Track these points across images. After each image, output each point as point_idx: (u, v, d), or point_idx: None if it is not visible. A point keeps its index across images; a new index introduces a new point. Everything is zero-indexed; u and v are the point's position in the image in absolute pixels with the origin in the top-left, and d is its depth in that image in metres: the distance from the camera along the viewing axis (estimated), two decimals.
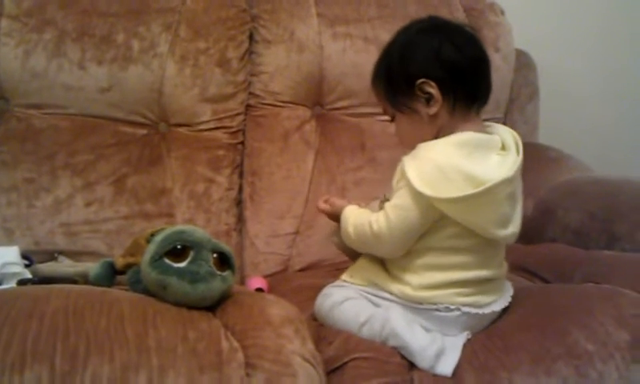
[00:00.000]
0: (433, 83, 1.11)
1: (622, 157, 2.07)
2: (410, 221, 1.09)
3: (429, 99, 1.12)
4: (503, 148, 1.13)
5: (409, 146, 1.16)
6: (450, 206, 1.06)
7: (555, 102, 2.02)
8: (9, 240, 1.45)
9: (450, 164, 1.06)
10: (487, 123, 1.19)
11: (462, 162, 1.06)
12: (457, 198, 1.05)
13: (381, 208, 1.16)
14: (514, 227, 1.12)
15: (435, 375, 1.03)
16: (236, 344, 0.90)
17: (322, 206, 1.29)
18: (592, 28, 2.18)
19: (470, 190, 1.04)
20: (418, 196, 1.07)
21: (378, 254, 1.18)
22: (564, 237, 1.52)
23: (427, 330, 1.10)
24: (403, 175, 1.09)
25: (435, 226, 1.10)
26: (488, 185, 1.04)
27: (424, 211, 1.08)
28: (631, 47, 2.22)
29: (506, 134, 1.15)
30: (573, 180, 1.66)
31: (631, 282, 1.19)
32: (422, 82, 1.11)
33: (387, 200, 1.18)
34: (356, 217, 1.19)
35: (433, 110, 1.12)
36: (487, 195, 1.05)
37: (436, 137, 1.13)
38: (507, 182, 1.07)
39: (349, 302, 1.17)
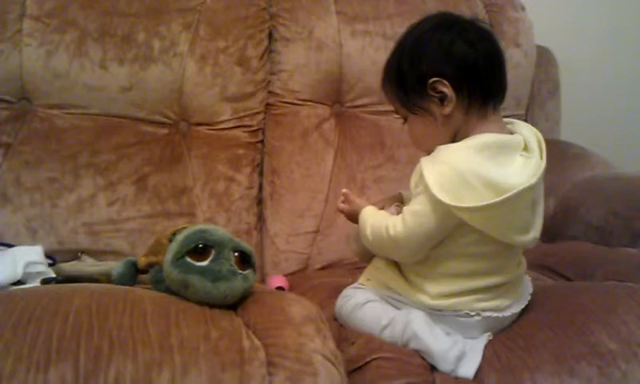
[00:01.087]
0: (445, 82, 1.07)
1: None
2: (428, 227, 1.06)
3: (442, 99, 1.08)
4: (526, 149, 1.08)
5: (424, 148, 1.13)
6: (470, 214, 1.02)
7: (577, 98, 2.01)
8: (33, 239, 1.47)
9: (471, 169, 1.02)
10: (509, 120, 1.14)
11: (483, 168, 1.02)
12: (478, 207, 1.01)
13: (398, 212, 1.14)
14: (535, 232, 1.09)
15: (457, 377, 1.03)
16: (257, 342, 0.90)
17: (341, 206, 1.26)
18: (613, 23, 2.16)
19: (491, 199, 1.00)
20: (436, 203, 1.03)
21: (394, 258, 1.16)
22: (586, 234, 1.51)
23: (448, 333, 1.09)
24: (422, 179, 1.05)
25: (454, 232, 1.07)
26: (509, 194, 1.00)
27: (442, 218, 1.04)
28: None
29: (529, 134, 1.10)
30: (595, 177, 1.65)
31: None
32: (435, 81, 1.08)
33: (401, 202, 1.17)
34: (374, 219, 1.16)
35: (447, 109, 1.08)
36: (509, 203, 1.01)
37: (453, 139, 1.09)
38: (530, 189, 1.03)
39: (370, 304, 1.16)
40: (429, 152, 1.09)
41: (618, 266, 1.30)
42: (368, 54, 1.75)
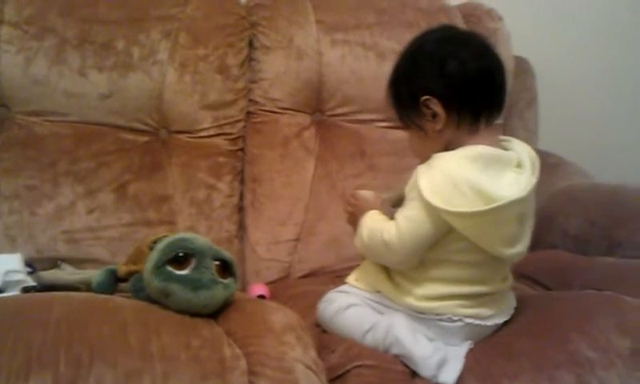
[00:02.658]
0: (436, 100, 1.10)
1: (622, 163, 2.07)
2: (421, 232, 1.07)
3: (434, 115, 1.11)
4: (519, 165, 1.10)
5: (420, 158, 1.15)
6: (458, 219, 1.05)
7: (554, 109, 2.02)
8: (11, 247, 1.45)
9: (463, 177, 1.04)
10: (504, 138, 1.17)
11: (475, 176, 1.04)
12: (465, 213, 1.03)
13: (392, 215, 1.15)
14: (521, 247, 1.11)
15: None
16: (238, 351, 0.90)
17: (348, 209, 1.26)
18: (591, 34, 2.18)
19: (479, 207, 1.03)
20: (428, 207, 1.05)
21: (387, 263, 1.17)
22: (564, 243, 1.52)
23: (430, 339, 1.10)
24: (416, 185, 1.07)
25: (443, 239, 1.09)
26: (498, 203, 1.03)
27: (435, 223, 1.06)
28: (631, 53, 2.22)
29: (522, 151, 1.12)
30: (572, 186, 1.66)
31: (632, 289, 1.19)
32: (426, 99, 1.10)
33: (396, 200, 1.18)
34: (372, 222, 1.17)
35: (437, 126, 1.11)
36: (496, 213, 1.03)
37: (445, 150, 1.11)
38: (519, 202, 1.05)
39: (352, 308, 1.17)
40: (425, 160, 1.11)
41: (596, 275, 1.31)
42: (348, 63, 1.76)
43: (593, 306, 1.15)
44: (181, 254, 0.98)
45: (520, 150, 1.13)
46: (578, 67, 2.18)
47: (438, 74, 1.10)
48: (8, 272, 1.22)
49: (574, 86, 2.17)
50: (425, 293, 1.11)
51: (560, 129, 2.05)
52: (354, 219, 1.23)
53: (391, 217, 1.15)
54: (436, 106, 1.10)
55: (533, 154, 1.13)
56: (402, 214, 1.10)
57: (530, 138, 1.89)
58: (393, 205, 1.21)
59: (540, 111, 1.96)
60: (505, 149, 1.13)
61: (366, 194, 1.24)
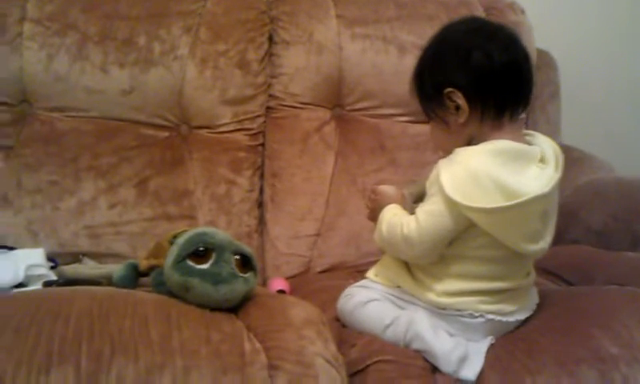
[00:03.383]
0: (459, 93, 1.08)
1: None
2: (441, 227, 1.06)
3: (457, 108, 1.09)
4: (542, 160, 1.09)
5: (442, 151, 1.14)
6: (479, 215, 1.03)
7: (577, 102, 2.00)
8: (34, 242, 1.46)
9: (485, 172, 1.03)
10: (528, 132, 1.15)
11: (498, 172, 1.03)
12: (487, 209, 1.02)
13: (412, 210, 1.15)
14: (544, 243, 1.09)
15: (458, 380, 1.03)
16: (258, 345, 0.91)
17: (369, 204, 1.25)
18: (613, 26, 2.16)
19: (501, 202, 1.01)
20: (449, 202, 1.04)
21: (406, 258, 1.16)
22: (586, 238, 1.50)
23: (451, 334, 1.09)
24: (437, 179, 1.06)
25: (464, 234, 1.07)
26: (521, 199, 1.01)
27: (455, 218, 1.05)
28: None
29: (547, 146, 1.11)
30: (596, 181, 1.65)
31: None
32: (450, 91, 1.09)
33: (417, 195, 1.18)
34: (392, 216, 1.16)
35: (460, 120, 1.10)
36: (519, 209, 1.02)
37: (468, 144, 1.10)
38: (541, 198, 1.03)
39: (373, 303, 1.16)
40: (447, 154, 1.10)
41: (619, 270, 1.30)
42: (368, 57, 1.75)
43: (616, 301, 1.14)
44: (201, 249, 0.99)
45: (544, 144, 1.11)
46: (601, 60, 2.15)
47: (463, 66, 1.09)
48: (30, 266, 1.24)
49: (596, 78, 2.14)
50: (446, 288, 1.10)
51: (583, 122, 2.03)
52: (374, 215, 1.21)
53: (412, 212, 1.14)
54: (459, 99, 1.09)
55: (557, 149, 1.11)
56: (423, 209, 1.10)
57: (552, 132, 1.87)
58: (414, 200, 1.20)
59: (563, 104, 1.94)
60: (529, 143, 1.11)
61: (387, 188, 1.23)
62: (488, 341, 1.09)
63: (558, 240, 1.51)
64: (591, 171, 1.71)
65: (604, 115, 2.16)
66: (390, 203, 1.19)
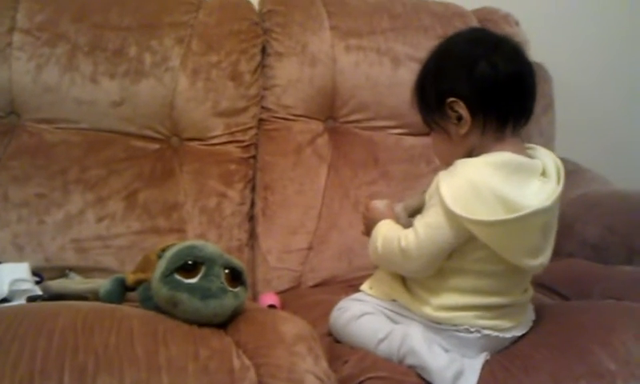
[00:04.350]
0: (462, 103, 1.07)
1: None
2: (440, 239, 1.05)
3: (459, 118, 1.08)
4: (544, 174, 1.08)
5: (443, 162, 1.14)
6: (479, 228, 1.02)
7: (571, 115, 1.99)
8: (19, 256, 1.44)
9: (486, 184, 1.02)
10: (530, 146, 1.14)
11: (499, 184, 1.02)
12: (488, 222, 1.01)
13: (408, 224, 1.13)
14: (543, 258, 1.08)
15: None
16: (248, 362, 0.89)
17: (363, 221, 1.24)
18: (608, 39, 2.16)
19: (502, 215, 1.00)
20: (449, 214, 1.03)
21: (403, 272, 1.14)
22: (582, 251, 1.49)
23: (446, 350, 1.07)
24: (437, 191, 1.05)
25: (463, 247, 1.06)
26: (522, 213, 1.00)
27: (455, 230, 1.04)
28: None
29: (548, 160, 1.10)
30: (591, 193, 1.64)
31: None
32: (452, 101, 1.08)
33: (412, 210, 1.17)
34: (388, 230, 1.15)
35: (462, 130, 1.09)
36: (520, 223, 1.01)
37: (469, 155, 1.09)
38: (543, 212, 1.02)
39: (366, 317, 1.15)
40: (448, 165, 1.09)
41: (616, 284, 1.29)
42: (362, 69, 1.74)
43: (613, 316, 1.13)
44: (190, 262, 0.97)
45: (546, 158, 1.11)
46: (595, 72, 2.15)
47: (466, 76, 1.08)
48: (15, 281, 1.21)
49: (590, 91, 2.14)
50: (442, 303, 1.09)
51: (577, 135, 2.02)
52: (368, 231, 1.20)
53: (407, 226, 1.13)
54: (462, 109, 1.08)
55: (558, 162, 1.10)
56: (422, 221, 1.08)
57: (546, 144, 1.84)
58: (409, 214, 1.19)
59: (557, 117, 1.93)
60: (530, 157, 1.10)
61: (378, 203, 1.23)
62: (483, 357, 1.08)
63: (553, 253, 1.51)
64: (586, 184, 1.70)
65: (599, 128, 2.16)
66: (382, 218, 1.18)
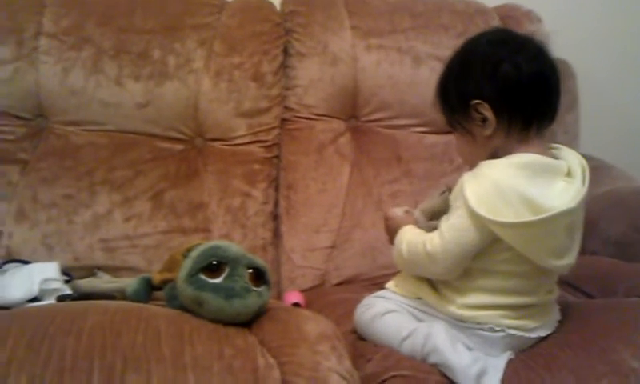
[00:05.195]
0: (487, 105, 1.07)
1: None
2: (465, 241, 1.05)
3: (483, 120, 1.08)
4: (569, 174, 1.07)
5: (467, 163, 1.14)
6: (504, 230, 1.02)
7: (595, 111, 1.98)
8: (49, 256, 1.46)
9: (510, 186, 1.02)
10: (554, 146, 1.13)
11: (524, 186, 1.02)
12: (512, 224, 1.01)
13: (428, 227, 1.13)
14: (569, 258, 1.08)
15: None
16: (272, 361, 0.90)
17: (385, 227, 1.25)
18: (632, 35, 2.13)
19: (527, 217, 1.00)
20: (474, 216, 1.03)
21: (429, 275, 1.14)
22: (606, 249, 1.48)
23: (470, 348, 1.07)
24: (461, 193, 1.05)
25: (489, 248, 1.06)
26: (547, 214, 1.00)
27: (480, 232, 1.03)
28: None
29: (573, 160, 1.09)
30: (615, 190, 1.62)
31: None
32: (477, 103, 1.08)
33: (430, 213, 1.17)
34: (412, 235, 1.15)
35: (487, 132, 1.08)
36: (545, 224, 1.01)
37: (493, 157, 1.08)
38: (568, 213, 1.02)
39: (391, 314, 1.15)
40: (472, 166, 1.09)
41: None
42: (383, 68, 1.74)
43: (637, 314, 1.12)
44: (214, 263, 0.99)
45: (570, 158, 1.10)
46: (619, 68, 2.13)
47: (490, 77, 1.07)
48: (45, 280, 1.24)
49: (614, 87, 2.12)
50: (467, 301, 1.09)
51: (601, 132, 2.00)
52: (391, 239, 1.21)
53: (428, 230, 1.13)
54: (486, 111, 1.07)
55: (584, 162, 1.10)
56: (447, 223, 1.08)
57: (570, 142, 1.85)
58: (428, 218, 1.19)
59: (581, 113, 1.92)
60: (555, 157, 1.09)
61: (397, 211, 1.23)
62: (507, 356, 1.08)
63: None
64: (610, 181, 1.68)
65: (623, 124, 2.14)
66: (403, 224, 1.18)
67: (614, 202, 1.56)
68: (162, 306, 1.07)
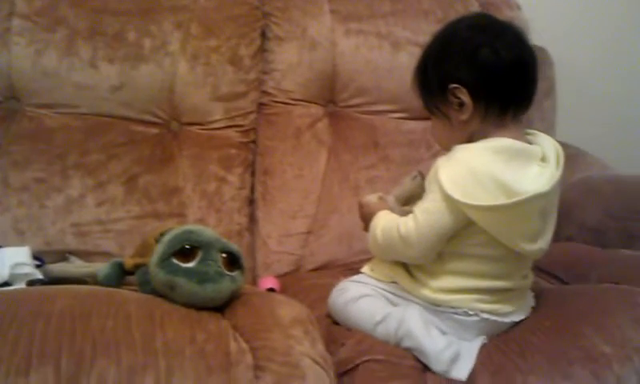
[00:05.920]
0: (464, 90, 1.07)
1: None
2: (439, 225, 1.05)
3: (460, 105, 1.08)
4: (543, 159, 1.08)
5: (442, 147, 1.14)
6: (478, 213, 1.02)
7: (573, 99, 1.99)
8: (20, 240, 1.44)
9: (485, 169, 1.02)
10: (530, 131, 1.14)
11: (498, 170, 1.02)
12: (486, 207, 1.01)
13: (402, 213, 1.13)
14: (542, 243, 1.08)
15: (449, 379, 1.02)
16: (245, 345, 0.89)
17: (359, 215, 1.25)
18: (609, 23, 2.14)
19: (501, 200, 1.01)
20: (448, 200, 1.03)
21: (404, 259, 1.14)
22: (581, 235, 1.49)
23: (443, 332, 1.08)
24: (436, 177, 1.05)
25: (462, 232, 1.06)
26: (520, 197, 1.00)
27: (454, 216, 1.04)
28: None
29: (547, 145, 1.10)
30: (590, 177, 1.63)
31: None
32: (455, 88, 1.08)
33: (403, 198, 1.17)
34: (386, 221, 1.15)
35: (464, 116, 1.09)
36: (519, 208, 1.01)
37: (469, 141, 1.08)
38: (541, 196, 1.03)
39: (365, 299, 1.15)
40: (448, 150, 1.10)
41: (614, 268, 1.28)
42: (362, 53, 1.73)
43: (609, 300, 1.13)
44: (187, 247, 0.97)
45: (545, 143, 1.11)
46: (597, 56, 2.14)
47: (469, 62, 1.07)
48: (16, 265, 1.22)
49: (592, 75, 2.13)
50: (442, 285, 1.10)
51: (578, 119, 2.02)
52: (367, 226, 1.21)
53: (402, 215, 1.13)
54: (464, 96, 1.07)
55: (558, 148, 1.11)
56: (421, 207, 1.08)
57: (547, 129, 1.86)
58: (402, 203, 1.19)
59: (558, 101, 1.92)
60: (530, 142, 1.10)
61: (370, 198, 1.23)
62: (480, 340, 1.08)
63: (552, 237, 1.51)
64: (586, 168, 1.69)
65: (600, 112, 2.15)
66: (377, 211, 1.18)
67: (589, 189, 1.57)
68: (134, 290, 1.06)
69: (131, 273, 1.14)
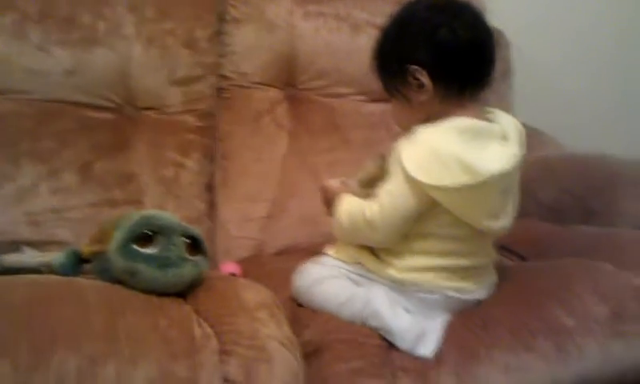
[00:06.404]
0: (424, 71, 1.06)
1: (596, 134, 2.06)
2: (404, 207, 1.05)
3: (420, 85, 1.08)
4: (504, 137, 1.08)
5: (402, 128, 1.13)
6: (443, 194, 1.03)
7: (529, 81, 2.01)
8: None
9: (447, 150, 1.02)
10: (489, 109, 1.14)
11: (461, 150, 1.02)
12: (450, 187, 1.01)
13: (365, 196, 1.13)
14: (505, 221, 1.09)
15: (416, 356, 1.02)
16: (209, 330, 0.88)
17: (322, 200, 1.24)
18: (565, 7, 2.17)
19: (464, 180, 1.01)
20: (411, 181, 1.03)
21: (370, 243, 1.14)
22: (538, 213, 1.52)
23: (409, 311, 1.08)
24: (398, 159, 1.05)
25: (427, 213, 1.06)
26: (484, 177, 1.01)
27: (418, 197, 1.04)
28: (605, 25, 2.23)
29: (508, 123, 1.11)
30: (546, 156, 1.66)
31: (607, 257, 1.19)
32: (414, 69, 1.07)
33: (366, 181, 1.16)
34: (350, 205, 1.14)
35: (423, 97, 1.08)
36: (482, 187, 1.02)
37: (427, 122, 1.08)
38: (504, 175, 1.04)
39: (329, 280, 1.15)
40: (407, 131, 1.09)
41: (572, 244, 1.31)
42: (321, 35, 1.72)
43: (570, 273, 1.15)
44: (147, 232, 0.96)
45: (505, 121, 1.11)
46: (553, 39, 2.17)
47: (427, 43, 1.07)
48: None
49: (548, 58, 2.15)
50: (407, 265, 1.10)
51: (534, 101, 2.04)
52: (330, 211, 1.20)
53: (364, 198, 1.13)
54: (423, 77, 1.07)
55: (519, 126, 1.12)
56: (384, 189, 1.08)
57: (504, 110, 1.86)
58: (364, 186, 1.19)
59: (515, 83, 1.94)
60: (490, 121, 1.10)
61: (332, 182, 1.22)
62: (445, 318, 1.09)
63: None
64: (542, 147, 1.72)
65: (556, 93, 2.18)
66: (339, 195, 1.18)
67: (545, 166, 1.60)
68: (93, 279, 1.03)
69: (88, 261, 1.11)
